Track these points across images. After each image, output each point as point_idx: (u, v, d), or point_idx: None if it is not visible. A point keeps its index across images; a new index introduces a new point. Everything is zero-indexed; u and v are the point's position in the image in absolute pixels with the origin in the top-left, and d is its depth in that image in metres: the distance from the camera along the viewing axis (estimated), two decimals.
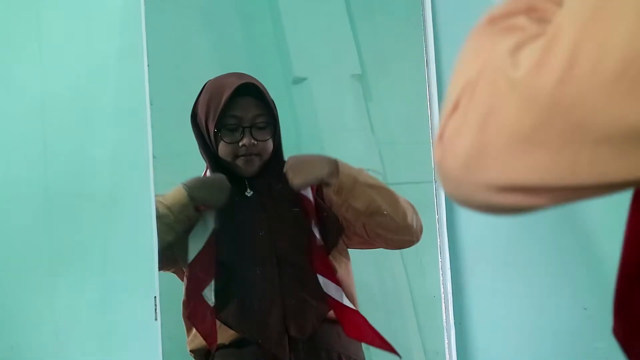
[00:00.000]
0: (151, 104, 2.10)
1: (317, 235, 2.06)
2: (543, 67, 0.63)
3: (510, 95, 0.65)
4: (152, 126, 2.10)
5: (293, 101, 2.29)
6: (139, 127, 2.11)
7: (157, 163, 2.09)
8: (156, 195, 2.06)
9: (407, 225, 2.05)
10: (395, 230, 2.07)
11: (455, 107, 0.68)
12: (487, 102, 0.66)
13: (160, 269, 2.05)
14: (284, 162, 2.09)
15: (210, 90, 2.08)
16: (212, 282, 2.02)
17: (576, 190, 0.66)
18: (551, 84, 0.63)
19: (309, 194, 2.09)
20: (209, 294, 2.01)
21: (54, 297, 2.14)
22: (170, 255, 2.08)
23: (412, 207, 2.09)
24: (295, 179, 2.01)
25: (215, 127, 2.05)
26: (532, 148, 0.64)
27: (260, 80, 2.11)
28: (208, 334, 2.02)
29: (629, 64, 0.61)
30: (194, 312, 2.03)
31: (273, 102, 2.10)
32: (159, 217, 2.03)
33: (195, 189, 2.04)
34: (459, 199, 0.71)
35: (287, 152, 2.13)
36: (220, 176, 2.06)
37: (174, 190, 2.04)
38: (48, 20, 2.19)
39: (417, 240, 2.09)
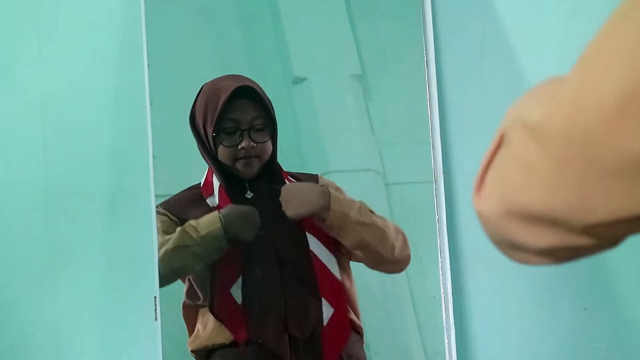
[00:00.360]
0: (151, 104, 2.09)
1: (313, 245, 2.08)
2: (555, 112, 0.70)
3: (530, 140, 0.71)
4: (152, 126, 2.09)
5: (293, 101, 2.29)
6: (139, 127, 2.10)
7: (157, 163, 2.08)
8: (190, 221, 2.04)
9: (395, 259, 2.12)
10: (381, 262, 2.12)
11: (492, 157, 0.76)
12: (514, 149, 0.74)
13: (162, 286, 2.02)
14: (278, 164, 2.10)
15: (207, 93, 2.08)
16: (239, 280, 2.03)
17: (602, 227, 0.70)
18: (562, 126, 0.69)
19: None
20: (237, 292, 2.02)
21: (54, 297, 2.14)
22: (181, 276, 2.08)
23: (403, 235, 2.14)
24: (288, 211, 2.04)
25: (214, 131, 2.05)
26: (554, 187, 0.70)
27: (260, 81, 2.11)
28: (237, 331, 2.03)
29: (626, 101, 0.65)
30: (222, 311, 2.04)
31: (270, 102, 2.10)
32: (189, 245, 2.01)
33: (229, 220, 2.02)
34: (501, 247, 0.79)
35: (288, 152, 2.13)
36: (253, 210, 2.06)
37: (209, 219, 2.02)
38: (48, 20, 2.19)
39: (403, 270, 2.16)
